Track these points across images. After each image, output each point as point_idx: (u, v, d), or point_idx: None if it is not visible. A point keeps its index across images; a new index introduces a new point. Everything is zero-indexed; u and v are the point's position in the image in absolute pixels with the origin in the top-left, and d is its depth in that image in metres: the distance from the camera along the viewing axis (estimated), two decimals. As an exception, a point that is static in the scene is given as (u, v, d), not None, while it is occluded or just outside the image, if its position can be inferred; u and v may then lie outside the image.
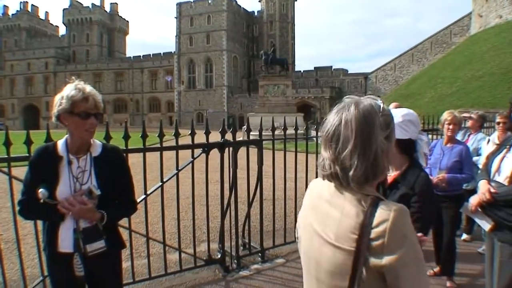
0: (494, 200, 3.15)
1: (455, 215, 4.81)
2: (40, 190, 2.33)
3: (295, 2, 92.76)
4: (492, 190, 3.18)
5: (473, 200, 3.34)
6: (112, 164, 2.60)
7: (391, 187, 2.73)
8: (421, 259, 1.32)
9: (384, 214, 1.28)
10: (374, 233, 1.27)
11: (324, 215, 1.44)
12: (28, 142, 3.50)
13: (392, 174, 2.74)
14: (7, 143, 3.48)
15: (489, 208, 3.21)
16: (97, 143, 2.62)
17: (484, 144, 5.54)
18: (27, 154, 3.46)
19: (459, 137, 5.87)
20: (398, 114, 2.68)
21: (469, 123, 6.65)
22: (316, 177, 5.76)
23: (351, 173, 1.33)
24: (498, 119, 5.59)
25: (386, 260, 1.26)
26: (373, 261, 1.27)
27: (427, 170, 4.69)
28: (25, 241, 4.05)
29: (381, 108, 1.38)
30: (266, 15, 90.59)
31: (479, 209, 3.32)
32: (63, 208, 2.34)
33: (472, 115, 6.64)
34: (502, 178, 3.23)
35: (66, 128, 2.49)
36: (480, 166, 4.79)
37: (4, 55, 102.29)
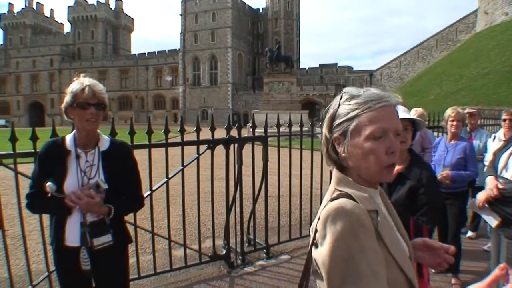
0: (502, 196, 3.14)
1: (459, 212, 4.79)
2: (48, 183, 2.35)
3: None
4: (500, 186, 3.18)
5: (480, 196, 3.34)
6: (119, 159, 2.61)
7: (395, 182, 2.73)
8: (348, 269, 1.13)
9: (325, 209, 1.26)
10: (316, 225, 1.28)
11: None
12: (34, 138, 3.51)
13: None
14: (13, 139, 3.49)
15: (496, 204, 3.21)
16: (105, 138, 2.64)
17: (490, 141, 5.51)
18: (33, 150, 3.47)
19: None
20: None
21: (472, 120, 6.48)
22: (321, 174, 5.71)
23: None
24: (504, 116, 5.55)
25: (315, 252, 1.25)
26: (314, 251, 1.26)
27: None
28: (30, 237, 4.07)
29: (344, 98, 1.36)
30: (271, 12, 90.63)
31: (486, 205, 3.31)
32: (70, 202, 2.35)
33: (473, 111, 6.48)
34: (509, 175, 3.23)
35: (74, 122, 2.52)
36: (486, 163, 4.78)
37: (9, 52, 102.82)
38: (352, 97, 1.33)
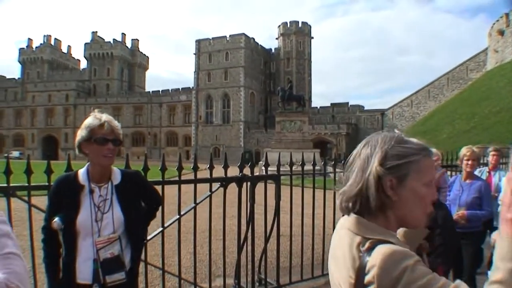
0: None
1: (474, 252, 4.71)
2: (55, 220, 2.35)
3: (312, 40, 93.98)
4: None
5: (495, 236, 3.29)
6: (133, 189, 2.64)
7: None
8: None
9: (373, 259, 1.18)
10: (366, 279, 1.19)
11: (334, 254, 1.41)
12: (49, 171, 3.54)
13: None
14: (28, 172, 3.52)
15: None
16: (116, 171, 2.66)
17: (504, 180, 5.43)
18: (47, 183, 3.50)
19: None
20: None
21: (493, 159, 6.40)
22: (334, 213, 5.63)
23: (344, 189, 1.35)
24: None
25: None
26: None
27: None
28: (40, 269, 4.01)
29: (395, 140, 1.32)
30: (283, 52, 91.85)
31: None
32: None
33: (493, 151, 6.40)
34: None
35: (87, 157, 2.54)
36: (500, 202, 4.71)
37: (26, 86, 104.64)
38: (404, 140, 1.33)
